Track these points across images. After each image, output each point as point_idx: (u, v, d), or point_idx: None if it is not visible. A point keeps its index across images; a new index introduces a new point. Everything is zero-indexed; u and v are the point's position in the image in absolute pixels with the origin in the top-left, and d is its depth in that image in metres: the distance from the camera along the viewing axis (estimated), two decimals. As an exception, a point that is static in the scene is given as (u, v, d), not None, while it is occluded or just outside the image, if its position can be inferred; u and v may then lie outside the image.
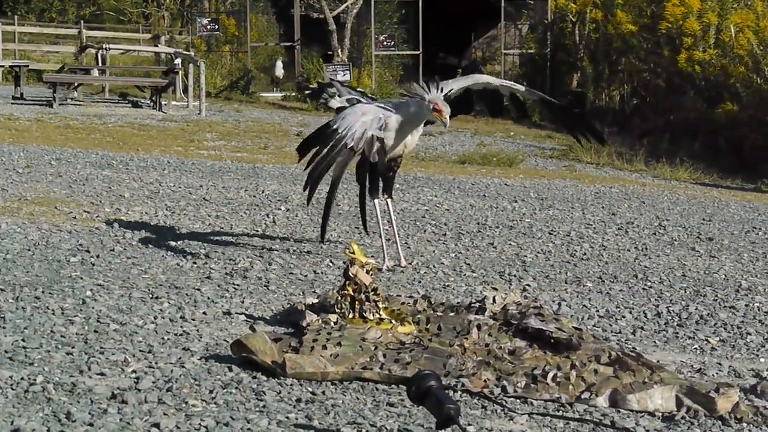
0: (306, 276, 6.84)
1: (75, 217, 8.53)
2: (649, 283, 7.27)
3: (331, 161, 6.63)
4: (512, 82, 8.07)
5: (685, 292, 7.08)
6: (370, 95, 7.97)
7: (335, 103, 7.54)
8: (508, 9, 26.52)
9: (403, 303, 5.70)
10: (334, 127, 6.74)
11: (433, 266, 7.41)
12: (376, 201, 7.38)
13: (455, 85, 7.48)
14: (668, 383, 4.59)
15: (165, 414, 4.04)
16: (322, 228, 7.03)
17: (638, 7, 22.46)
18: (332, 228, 8.75)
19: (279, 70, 25.83)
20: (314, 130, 7.07)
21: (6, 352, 4.72)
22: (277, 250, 7.63)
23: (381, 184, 7.36)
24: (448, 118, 6.81)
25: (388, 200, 7.52)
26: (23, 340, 4.90)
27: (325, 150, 6.63)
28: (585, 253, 8.33)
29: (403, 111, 7.02)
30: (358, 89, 7.80)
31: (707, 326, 6.13)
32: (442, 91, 6.91)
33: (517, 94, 7.84)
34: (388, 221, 7.59)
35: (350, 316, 5.28)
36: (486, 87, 7.74)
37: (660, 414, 4.45)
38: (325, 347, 4.75)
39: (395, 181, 7.71)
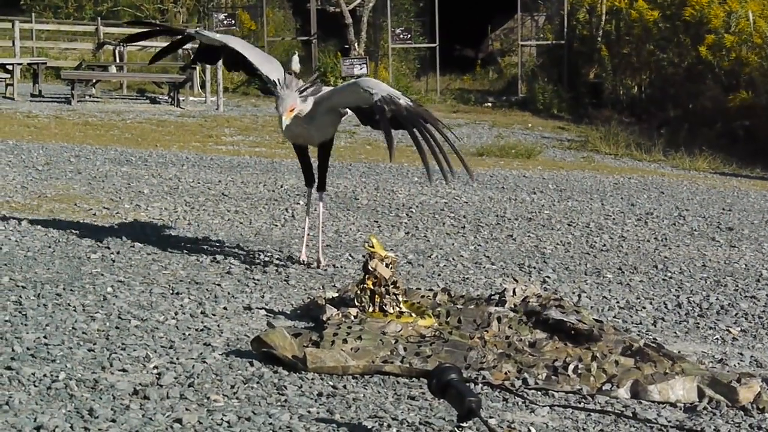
0: (325, 270, 6.85)
1: (95, 214, 8.55)
2: (669, 274, 7.25)
3: None
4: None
5: (706, 282, 7.06)
6: None
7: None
8: (525, 0, 26.46)
9: (423, 296, 5.70)
10: None
11: (453, 259, 7.41)
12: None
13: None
14: (690, 374, 4.58)
15: (187, 409, 4.05)
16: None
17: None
18: (351, 222, 8.76)
19: (296, 65, 25.80)
20: None
21: (28, 349, 4.74)
22: (297, 245, 7.63)
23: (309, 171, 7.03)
24: (287, 120, 6.39)
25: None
26: (45, 337, 4.92)
27: None
28: (604, 245, 8.31)
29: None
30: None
31: (728, 316, 6.12)
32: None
33: None
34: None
35: (370, 309, 5.28)
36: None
37: (682, 405, 4.45)
38: (345, 341, 4.76)
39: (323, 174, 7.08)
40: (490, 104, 24.33)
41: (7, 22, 26.13)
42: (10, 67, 20.95)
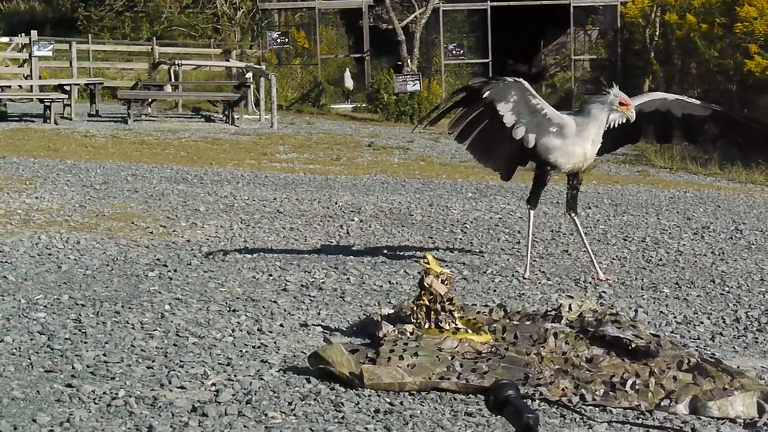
0: (381, 286, 6.86)
1: (152, 232, 8.63)
2: (726, 288, 7.19)
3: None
4: (686, 97, 7.80)
5: (764, 296, 6.99)
6: None
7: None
8: (578, 15, 26.39)
9: (478, 312, 5.70)
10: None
11: (508, 275, 7.39)
12: (532, 212, 7.61)
13: (636, 102, 7.28)
14: (749, 389, 4.54)
15: (245, 426, 4.08)
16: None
17: (708, 11, 22.19)
18: (405, 238, 8.78)
19: (348, 81, 25.95)
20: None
21: (88, 366, 4.80)
22: (352, 261, 7.66)
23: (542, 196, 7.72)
24: (633, 112, 6.94)
25: (575, 217, 7.66)
26: (104, 355, 4.97)
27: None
28: (661, 259, 8.25)
29: (581, 117, 7.17)
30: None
31: (788, 331, 6.05)
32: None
33: (691, 111, 7.61)
34: (579, 237, 7.78)
35: (426, 326, 5.28)
36: (659, 107, 7.59)
37: (741, 420, 4.41)
38: (401, 357, 4.76)
39: (579, 199, 7.84)
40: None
41: (64, 43, 26.43)
42: (67, 88, 21.21)
